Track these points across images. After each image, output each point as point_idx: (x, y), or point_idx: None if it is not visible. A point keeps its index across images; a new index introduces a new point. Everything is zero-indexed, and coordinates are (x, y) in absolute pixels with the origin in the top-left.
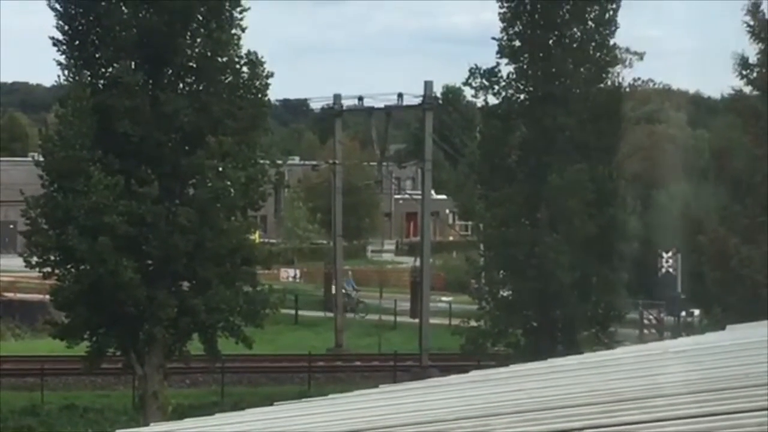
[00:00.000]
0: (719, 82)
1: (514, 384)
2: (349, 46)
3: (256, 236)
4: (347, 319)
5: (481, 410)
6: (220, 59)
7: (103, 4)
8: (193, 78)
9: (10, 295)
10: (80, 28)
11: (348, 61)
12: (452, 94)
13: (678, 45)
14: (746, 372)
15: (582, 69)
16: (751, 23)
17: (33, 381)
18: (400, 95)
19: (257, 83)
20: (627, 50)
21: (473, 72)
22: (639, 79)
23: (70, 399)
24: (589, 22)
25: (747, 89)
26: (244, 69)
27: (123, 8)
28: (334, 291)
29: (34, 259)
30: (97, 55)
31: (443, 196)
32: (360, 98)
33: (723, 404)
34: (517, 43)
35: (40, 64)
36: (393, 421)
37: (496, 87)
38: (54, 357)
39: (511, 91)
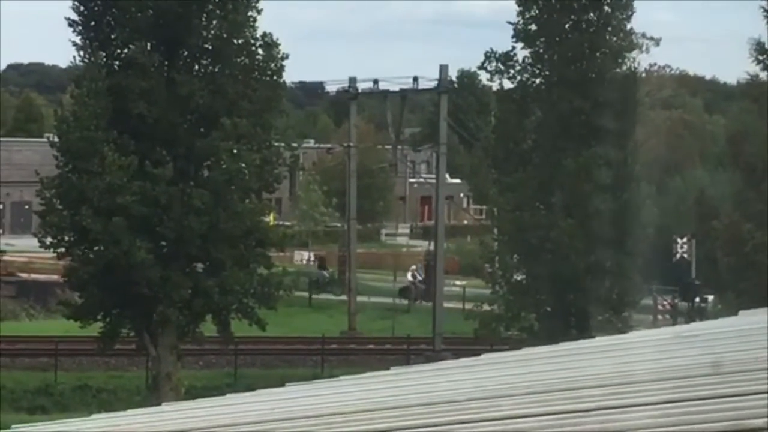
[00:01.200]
0: (736, 67)
1: (525, 366)
2: (365, 30)
3: (271, 218)
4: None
5: (491, 392)
6: (235, 41)
7: None
8: (209, 59)
9: (24, 275)
10: (96, 9)
11: (364, 45)
12: (467, 78)
13: (694, 30)
14: (756, 356)
15: (598, 54)
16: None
17: (47, 361)
18: (415, 79)
19: (273, 65)
20: (643, 35)
21: (489, 56)
22: (655, 64)
23: (84, 379)
24: (606, 7)
25: (763, 74)
26: (260, 51)
27: None
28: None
29: (49, 240)
30: (112, 36)
31: (458, 180)
32: (375, 81)
33: (731, 387)
34: (533, 27)
35: (56, 44)
36: (404, 402)
37: (512, 71)
38: (68, 338)
39: (526, 76)
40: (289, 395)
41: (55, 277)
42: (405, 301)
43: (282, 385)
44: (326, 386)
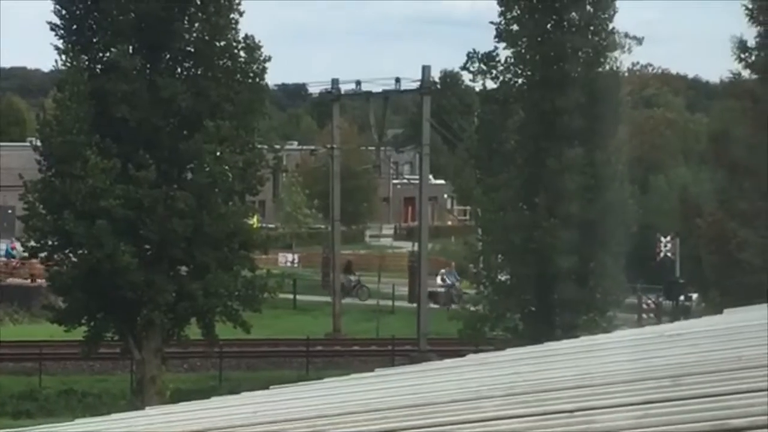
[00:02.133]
0: (718, 66)
1: (508, 367)
2: (347, 31)
3: (254, 221)
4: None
5: (474, 393)
6: (217, 43)
7: None
8: (191, 62)
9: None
10: (78, 12)
11: (346, 46)
12: (450, 78)
13: (677, 29)
14: (739, 355)
15: (580, 53)
16: (750, 6)
17: (31, 366)
18: (397, 80)
19: (255, 67)
20: (626, 35)
21: (471, 56)
22: (638, 63)
23: (68, 384)
24: (588, 6)
25: (745, 73)
26: (242, 53)
27: None
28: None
29: (32, 244)
30: (94, 40)
31: (441, 181)
32: (358, 83)
33: (715, 386)
34: (515, 27)
35: (38, 49)
36: (387, 404)
37: (494, 71)
38: (52, 342)
39: (509, 76)
40: (273, 398)
41: (39, 281)
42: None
43: (267, 387)
44: (310, 388)
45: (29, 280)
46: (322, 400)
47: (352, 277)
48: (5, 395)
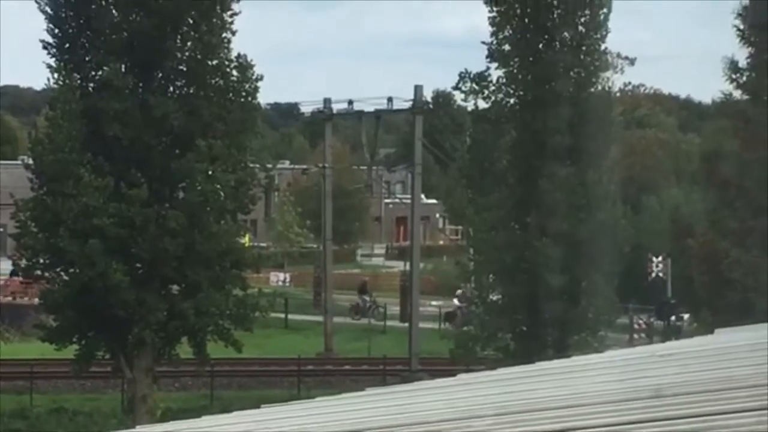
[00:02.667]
0: (710, 86)
1: (499, 387)
2: (339, 50)
3: (246, 239)
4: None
5: (464, 412)
6: (210, 62)
7: (93, 7)
8: (183, 81)
9: None
10: (70, 31)
11: (338, 65)
12: (442, 98)
13: (669, 50)
14: (730, 375)
15: (572, 73)
16: (741, 27)
17: (22, 384)
18: (390, 99)
19: (247, 86)
20: (618, 55)
21: (463, 76)
22: (630, 83)
23: (59, 402)
24: (580, 27)
25: (737, 93)
26: (234, 72)
27: (113, 11)
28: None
29: (24, 262)
30: (87, 58)
31: (433, 201)
32: (350, 102)
33: (704, 406)
34: (507, 47)
35: (30, 67)
36: (377, 423)
37: (486, 91)
38: (43, 360)
39: (501, 95)
40: (264, 417)
41: (30, 299)
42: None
43: (258, 406)
44: (301, 407)
45: (11, 298)
46: (313, 419)
47: (367, 298)
48: None
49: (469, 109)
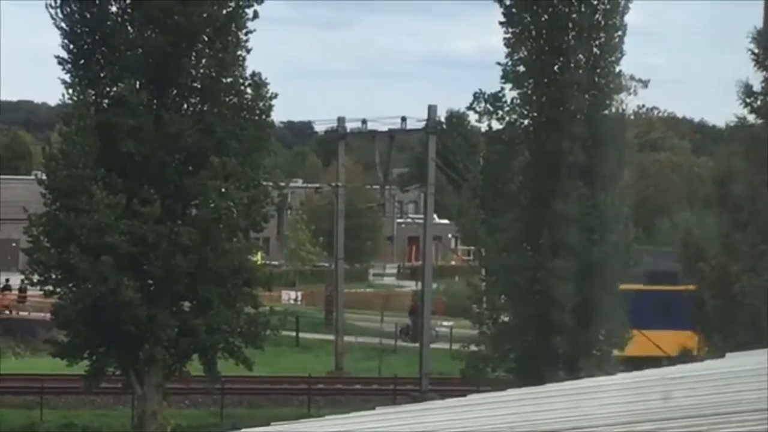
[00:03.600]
0: (724, 110)
1: (509, 407)
2: (353, 70)
3: (258, 257)
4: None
5: None
6: (224, 80)
7: (108, 23)
8: (197, 98)
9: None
10: (85, 47)
11: (352, 85)
12: (456, 118)
13: (683, 73)
14: (739, 398)
15: (587, 95)
16: (756, 51)
17: (32, 399)
18: (403, 119)
19: (261, 104)
20: (632, 77)
21: (477, 97)
22: (643, 106)
23: (69, 418)
24: (595, 49)
25: (751, 117)
26: (248, 90)
27: (129, 28)
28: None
29: (36, 278)
30: (101, 74)
31: (446, 221)
32: (364, 121)
33: (713, 429)
34: (522, 68)
35: (45, 82)
36: None
37: (500, 112)
38: (54, 376)
39: (515, 116)
40: None
41: (41, 315)
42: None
43: (268, 424)
44: (311, 426)
45: (8, 311)
46: None
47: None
48: (6, 429)
49: (483, 129)
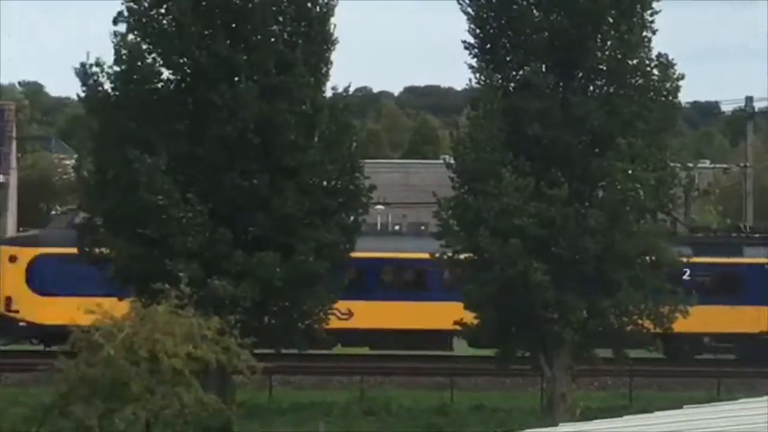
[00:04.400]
0: None
1: None
2: (763, 48)
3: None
4: None
5: None
6: (630, 61)
7: (515, 8)
8: (603, 80)
9: None
10: (492, 32)
11: (762, 63)
12: None
13: None
14: None
15: None
16: None
17: (442, 380)
18: None
19: (668, 85)
20: None
21: None
22: None
23: (479, 399)
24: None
25: None
26: (655, 71)
27: (534, 12)
28: None
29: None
30: (508, 59)
31: None
32: None
33: None
34: None
35: (451, 67)
36: None
37: None
38: (464, 357)
39: None
40: (687, 417)
41: None
42: None
43: (679, 407)
44: (724, 409)
45: None
46: (735, 420)
47: None
48: (418, 410)
49: None
